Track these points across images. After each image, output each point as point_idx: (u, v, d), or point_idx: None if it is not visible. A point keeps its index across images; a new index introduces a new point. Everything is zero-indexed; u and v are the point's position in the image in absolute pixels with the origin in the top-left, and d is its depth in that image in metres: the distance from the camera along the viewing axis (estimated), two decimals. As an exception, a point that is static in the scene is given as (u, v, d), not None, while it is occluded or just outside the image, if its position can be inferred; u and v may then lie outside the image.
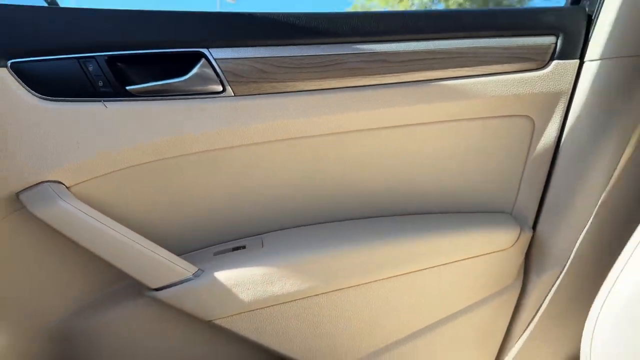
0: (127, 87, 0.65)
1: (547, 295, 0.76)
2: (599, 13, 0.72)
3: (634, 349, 0.52)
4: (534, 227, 0.80)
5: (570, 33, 0.73)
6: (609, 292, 0.56)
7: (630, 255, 0.54)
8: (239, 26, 0.67)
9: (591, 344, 0.56)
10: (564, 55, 0.73)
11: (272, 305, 0.70)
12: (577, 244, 0.73)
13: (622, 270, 0.55)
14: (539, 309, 0.77)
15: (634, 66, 0.69)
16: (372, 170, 0.77)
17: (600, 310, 0.56)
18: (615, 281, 0.55)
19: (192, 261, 0.70)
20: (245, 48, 0.67)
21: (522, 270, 0.81)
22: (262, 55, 0.67)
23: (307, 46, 0.68)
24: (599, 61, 0.71)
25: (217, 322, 0.69)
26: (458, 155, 0.78)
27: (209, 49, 0.66)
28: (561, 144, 0.75)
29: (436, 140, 0.77)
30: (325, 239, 0.73)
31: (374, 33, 0.69)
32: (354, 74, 0.69)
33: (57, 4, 0.82)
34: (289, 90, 0.69)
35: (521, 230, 0.77)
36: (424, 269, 0.73)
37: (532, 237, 0.80)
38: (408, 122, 0.73)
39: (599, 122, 0.71)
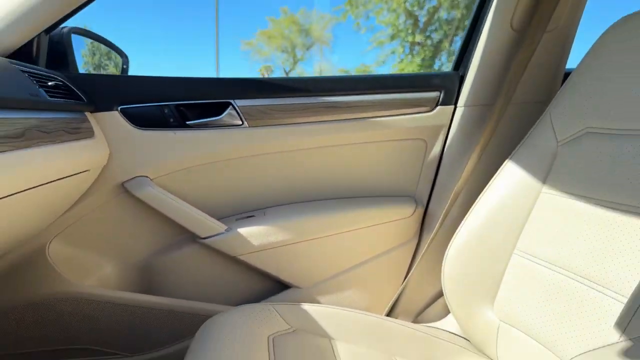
0: (187, 122, 1.11)
1: (430, 244, 1.26)
2: (466, 76, 1.20)
3: (464, 271, 0.95)
4: (427, 204, 1.31)
5: (449, 89, 1.22)
6: (455, 237, 1.00)
7: (469, 215, 1.00)
8: (252, 87, 1.13)
9: (444, 270, 1.03)
10: (444, 102, 1.22)
11: (271, 248, 1.18)
12: (450, 213, 1.23)
13: (462, 224, 0.99)
14: (424, 252, 1.27)
15: (482, 110, 1.18)
16: (328, 170, 1.25)
17: (449, 248, 1.02)
18: (459, 231, 1.01)
19: (224, 223, 1.18)
20: (255, 99, 1.13)
21: (419, 231, 1.32)
22: (266, 104, 1.13)
23: (292, 98, 1.15)
24: (464, 107, 1.20)
25: (240, 257, 1.18)
26: (380, 163, 1.26)
27: (234, 100, 1.12)
28: (443, 155, 1.25)
29: (366, 155, 1.25)
30: (301, 211, 1.21)
31: (330, 90, 1.17)
32: (318, 113, 1.17)
33: (127, 71, 1.28)
34: (283, 123, 1.16)
35: (417, 205, 1.27)
36: (357, 229, 1.23)
37: (425, 210, 1.31)
38: (350, 142, 1.21)
39: (463, 143, 1.21)
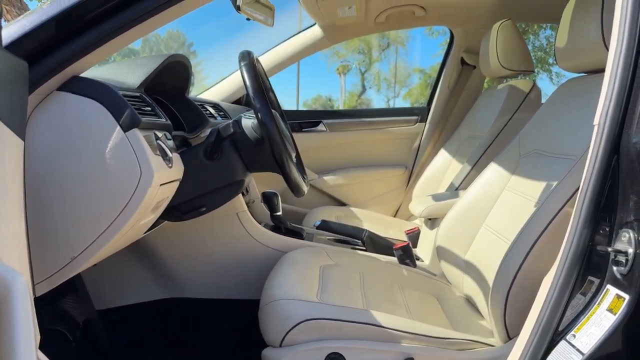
0: (303, 129, 2.53)
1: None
2: (430, 109, 2.57)
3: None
4: (412, 169, 2.66)
5: (423, 114, 2.58)
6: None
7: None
8: (330, 114, 2.54)
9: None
10: (421, 121, 2.58)
11: (335, 185, 2.59)
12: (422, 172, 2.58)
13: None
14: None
15: (435, 124, 2.54)
16: (361, 153, 2.63)
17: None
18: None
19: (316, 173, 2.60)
20: (329, 119, 2.54)
21: (407, 181, 2.68)
22: (333, 122, 2.53)
23: (344, 118, 2.55)
24: (429, 123, 2.56)
25: (325, 189, 2.59)
26: (388, 149, 2.63)
27: (322, 120, 2.53)
28: (420, 146, 2.60)
29: (381, 146, 2.62)
30: (348, 171, 2.62)
31: (360, 114, 2.56)
32: (357, 125, 2.55)
33: None
34: (341, 130, 2.56)
35: (406, 169, 2.64)
36: (374, 180, 2.62)
37: (410, 172, 2.66)
38: (371, 139, 2.58)
39: (427, 139, 2.57)
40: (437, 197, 1.74)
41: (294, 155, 1.34)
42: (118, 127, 0.90)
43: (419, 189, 2.27)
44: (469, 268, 1.33)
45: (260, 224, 1.68)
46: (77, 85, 0.92)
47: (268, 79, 1.46)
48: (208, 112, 1.60)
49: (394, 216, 2.64)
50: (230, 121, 1.20)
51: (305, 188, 1.26)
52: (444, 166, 2.21)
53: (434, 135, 2.54)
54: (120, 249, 1.15)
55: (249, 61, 1.17)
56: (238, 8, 1.55)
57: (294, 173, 1.17)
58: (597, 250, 0.80)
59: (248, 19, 1.66)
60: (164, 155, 1.01)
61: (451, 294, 1.41)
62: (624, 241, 0.76)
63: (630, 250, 0.74)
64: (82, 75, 0.95)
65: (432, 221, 1.71)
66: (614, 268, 0.77)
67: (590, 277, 0.82)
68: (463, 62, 2.43)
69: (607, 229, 0.79)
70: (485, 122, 1.97)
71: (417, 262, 1.58)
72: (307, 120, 2.54)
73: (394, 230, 2.17)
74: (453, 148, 2.22)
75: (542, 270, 0.94)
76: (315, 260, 1.37)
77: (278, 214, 1.63)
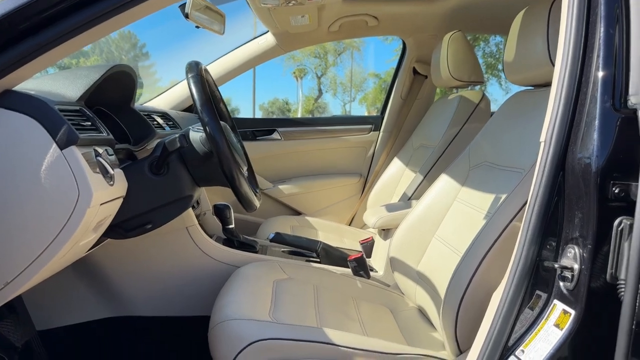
0: (257, 137, 2.49)
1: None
2: (384, 118, 2.59)
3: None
4: (367, 177, 2.68)
5: (376, 123, 2.60)
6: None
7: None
8: (284, 122, 2.51)
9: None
10: (374, 129, 2.59)
11: (290, 195, 2.56)
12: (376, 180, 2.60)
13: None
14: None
15: (389, 133, 2.56)
16: (315, 161, 2.62)
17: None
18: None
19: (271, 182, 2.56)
20: (283, 128, 2.51)
21: (362, 189, 2.69)
22: (287, 130, 2.51)
23: (298, 126, 2.53)
24: (382, 132, 2.58)
25: (279, 199, 2.56)
26: (343, 158, 2.63)
27: (277, 128, 2.50)
28: (374, 154, 2.62)
29: (336, 155, 2.61)
30: (301, 179, 2.60)
31: (317, 123, 2.55)
32: (311, 133, 2.54)
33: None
34: (294, 138, 2.54)
35: (361, 176, 2.65)
36: (329, 188, 2.61)
37: (366, 179, 2.68)
38: (328, 147, 2.58)
39: (381, 147, 2.59)
40: (390, 208, 1.75)
41: (245, 168, 1.30)
42: (54, 145, 0.84)
43: (373, 198, 2.28)
44: (421, 279, 1.34)
45: (211, 237, 1.63)
46: (10, 100, 0.85)
47: (218, 89, 1.42)
48: (155, 122, 1.54)
49: (350, 224, 2.64)
50: (177, 135, 1.16)
51: (257, 202, 1.23)
52: (397, 175, 2.23)
53: (387, 143, 2.56)
54: (62, 268, 1.08)
55: (196, 72, 1.12)
56: (186, 16, 1.51)
57: (244, 188, 1.13)
58: (544, 266, 0.81)
59: (197, 27, 1.62)
60: (105, 172, 0.95)
61: (404, 305, 1.41)
62: (570, 257, 0.77)
63: (576, 267, 0.76)
64: (16, 88, 0.88)
65: (386, 231, 1.71)
66: (561, 283, 0.79)
67: (538, 292, 0.84)
68: (415, 71, 2.47)
69: (554, 245, 0.81)
70: (437, 131, 2.00)
71: (372, 273, 1.58)
72: (261, 128, 2.51)
73: (349, 239, 2.17)
74: (406, 157, 2.24)
75: (492, 284, 0.95)
76: (268, 275, 1.34)
77: (230, 226, 1.58)
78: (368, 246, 1.81)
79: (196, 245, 1.47)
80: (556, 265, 0.77)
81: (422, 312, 1.37)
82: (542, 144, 0.82)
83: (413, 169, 2.09)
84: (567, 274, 0.77)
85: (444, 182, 1.42)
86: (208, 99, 1.08)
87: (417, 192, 1.86)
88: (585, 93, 0.78)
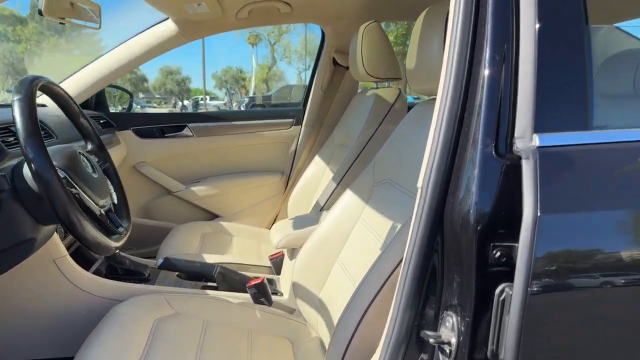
0: (165, 134, 2.26)
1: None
2: (305, 111, 2.42)
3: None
4: (289, 174, 2.52)
5: (298, 117, 2.43)
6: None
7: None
8: (197, 117, 2.30)
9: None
10: (296, 124, 2.42)
11: (205, 197, 2.36)
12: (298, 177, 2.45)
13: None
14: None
15: (311, 127, 2.40)
16: (232, 158, 2.43)
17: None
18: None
19: (183, 184, 2.35)
20: (197, 123, 2.30)
21: (284, 187, 2.54)
22: (201, 125, 2.30)
23: (214, 122, 2.33)
24: (304, 126, 2.42)
25: (193, 201, 2.35)
26: (262, 155, 2.45)
27: (188, 123, 2.28)
28: (296, 150, 2.46)
29: (254, 151, 2.43)
30: (218, 178, 2.40)
31: (233, 117, 2.35)
32: (226, 129, 2.34)
33: (132, 103, 2.43)
34: (210, 135, 2.33)
35: (283, 175, 2.49)
36: (248, 188, 2.43)
37: (288, 177, 2.52)
38: (245, 144, 2.39)
39: (304, 142, 2.42)
40: (297, 223, 1.60)
41: (104, 201, 1.10)
42: None
43: (293, 200, 2.13)
44: (322, 308, 1.21)
45: (94, 263, 1.42)
46: None
47: (75, 103, 1.20)
48: (11, 138, 1.26)
49: (271, 227, 2.49)
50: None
51: (113, 245, 1.03)
52: (319, 173, 2.08)
53: (309, 139, 2.40)
54: None
55: (24, 94, 0.89)
56: (40, 12, 1.26)
57: (89, 233, 0.93)
58: (420, 336, 0.69)
59: (62, 23, 1.36)
60: None
61: (307, 335, 1.28)
62: (448, 327, 0.65)
63: (454, 340, 0.63)
64: None
65: (292, 250, 1.57)
66: (440, 356, 0.67)
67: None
68: (335, 62, 2.30)
69: (432, 311, 0.68)
70: (355, 130, 1.85)
71: (276, 297, 1.44)
72: (169, 124, 2.28)
73: (267, 246, 2.01)
74: (327, 154, 2.09)
75: (376, 341, 0.83)
76: (149, 313, 1.16)
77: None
78: (278, 262, 1.67)
79: (67, 279, 1.27)
80: (432, 340, 0.65)
81: (324, 345, 1.24)
82: (419, 190, 0.68)
83: (333, 169, 1.94)
84: (446, 348, 0.65)
85: (349, 197, 1.28)
86: (35, 130, 0.86)
87: (329, 202, 1.72)
88: (466, 133, 0.65)
